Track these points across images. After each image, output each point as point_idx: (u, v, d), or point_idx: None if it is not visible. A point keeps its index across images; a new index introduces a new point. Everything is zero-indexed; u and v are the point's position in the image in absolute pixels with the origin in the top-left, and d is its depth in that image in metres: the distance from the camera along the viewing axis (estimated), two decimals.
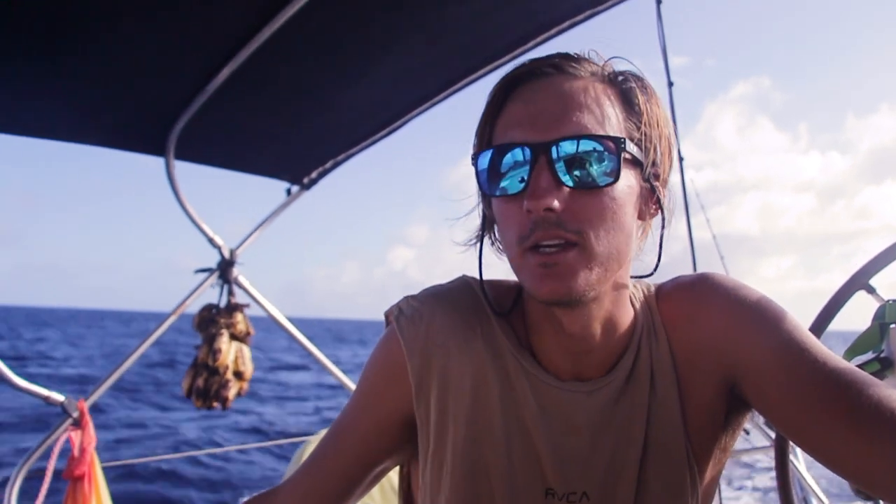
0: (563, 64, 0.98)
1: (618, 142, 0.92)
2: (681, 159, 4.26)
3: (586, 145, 0.91)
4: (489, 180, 0.98)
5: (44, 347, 41.74)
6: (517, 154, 0.94)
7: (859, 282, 1.42)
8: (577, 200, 0.92)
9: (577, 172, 0.91)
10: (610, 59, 1.02)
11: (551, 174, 0.91)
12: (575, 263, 0.92)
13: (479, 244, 1.09)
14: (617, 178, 0.92)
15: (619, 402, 1.04)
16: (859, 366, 1.14)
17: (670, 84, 3.72)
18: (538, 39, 2.56)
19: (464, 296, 1.13)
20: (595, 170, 0.91)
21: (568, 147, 0.91)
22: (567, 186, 0.91)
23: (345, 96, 2.91)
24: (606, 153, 0.92)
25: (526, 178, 0.92)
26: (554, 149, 0.91)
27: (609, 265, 0.95)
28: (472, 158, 1.00)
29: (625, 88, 0.99)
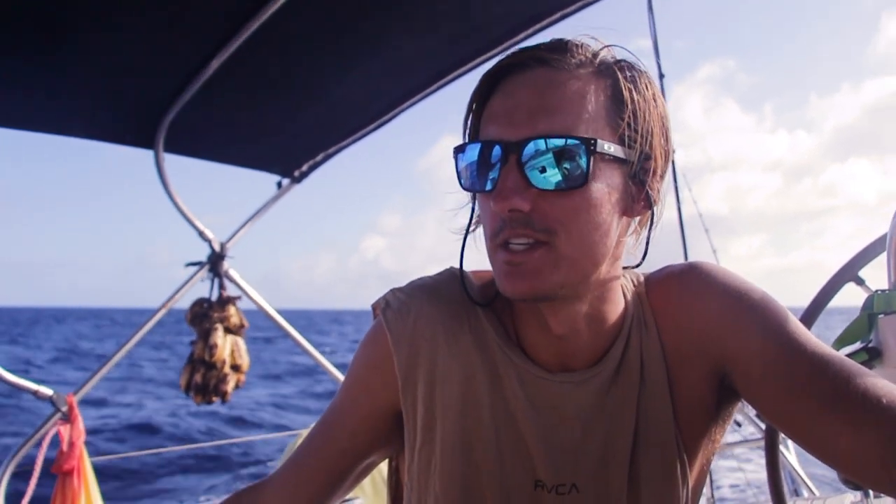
0: (547, 56, 0.95)
1: (588, 143, 0.90)
2: (672, 150, 4.28)
3: (556, 145, 0.89)
4: (466, 175, 0.97)
5: None
6: (490, 152, 0.93)
7: (849, 273, 1.42)
8: (546, 201, 0.90)
9: (545, 174, 0.89)
10: (605, 46, 0.99)
11: (520, 174, 0.90)
12: (540, 263, 0.91)
13: (463, 234, 1.07)
14: (586, 181, 0.90)
15: (609, 392, 1.03)
16: (848, 355, 1.14)
17: (661, 76, 3.73)
18: (529, 31, 2.55)
19: (451, 288, 1.12)
20: (565, 171, 0.89)
21: (537, 147, 0.89)
22: (535, 188, 0.90)
23: (335, 89, 2.89)
24: (577, 154, 0.89)
25: (496, 177, 0.91)
26: (523, 149, 0.90)
27: (581, 265, 0.93)
28: (453, 151, 0.99)
29: (613, 81, 0.96)
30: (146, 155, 3.15)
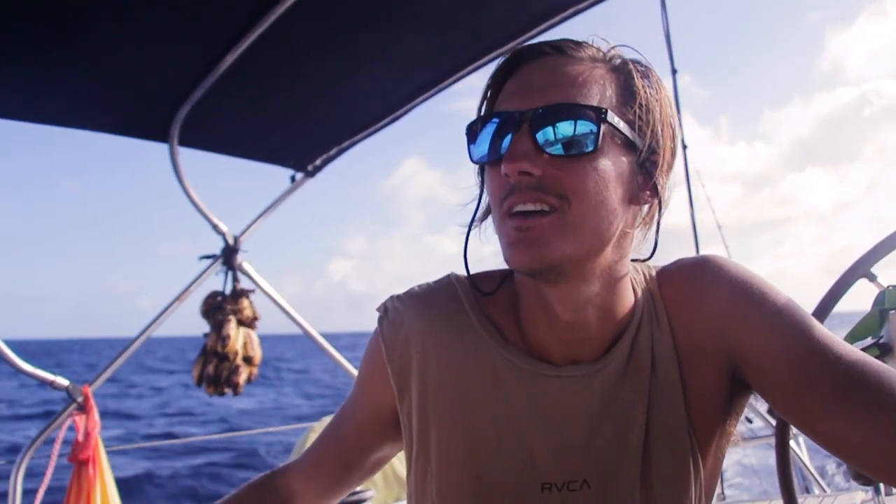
0: (563, 46, 0.99)
1: (598, 111, 0.92)
2: (684, 147, 4.26)
3: (566, 112, 0.91)
4: (477, 149, 0.98)
5: None
6: (501, 122, 0.95)
7: (861, 269, 1.42)
8: (556, 166, 0.91)
9: (556, 140, 0.91)
10: (615, 46, 1.02)
11: (531, 140, 0.91)
12: (549, 230, 0.91)
13: (470, 222, 1.08)
14: (596, 147, 0.91)
15: (619, 386, 1.03)
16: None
17: (674, 71, 3.71)
18: (542, 26, 2.55)
19: (447, 295, 1.12)
20: (575, 138, 0.91)
21: (548, 114, 0.91)
22: (546, 153, 0.91)
23: (349, 83, 2.91)
24: (586, 122, 0.91)
25: (509, 143, 0.93)
26: (535, 116, 0.91)
27: (587, 238, 0.93)
28: (467, 128, 1.01)
29: (624, 74, 0.99)
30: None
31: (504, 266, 0.97)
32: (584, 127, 0.91)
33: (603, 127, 0.92)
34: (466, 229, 1.08)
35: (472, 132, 0.99)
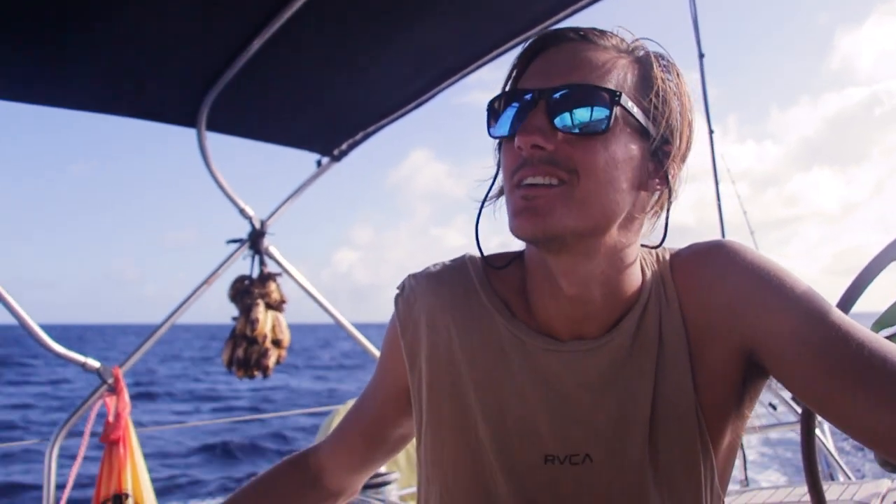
0: (588, 33, 1.01)
1: (612, 94, 0.95)
2: (711, 132, 4.21)
3: (581, 92, 0.94)
4: (495, 124, 1.02)
5: None
6: (519, 99, 0.98)
7: (892, 253, 1.40)
8: (569, 143, 0.94)
9: (570, 119, 0.94)
10: (638, 38, 1.04)
11: (546, 116, 0.94)
12: (555, 202, 0.93)
13: (482, 199, 1.11)
14: (608, 128, 0.94)
15: (624, 363, 1.04)
16: (887, 338, 1.13)
17: (701, 55, 3.67)
18: (566, 12, 2.54)
19: (459, 274, 1.16)
20: (588, 117, 0.94)
21: (563, 93, 0.94)
22: (560, 131, 0.94)
23: (375, 68, 2.91)
24: (601, 102, 0.94)
25: (524, 119, 0.96)
26: (551, 94, 0.95)
27: (592, 214, 0.95)
28: (488, 105, 1.04)
29: (643, 63, 1.01)
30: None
31: (510, 246, 1.00)
32: (598, 108, 0.94)
33: (616, 109, 0.95)
34: (478, 209, 1.11)
35: (494, 109, 1.03)
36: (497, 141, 1.06)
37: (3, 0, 2.07)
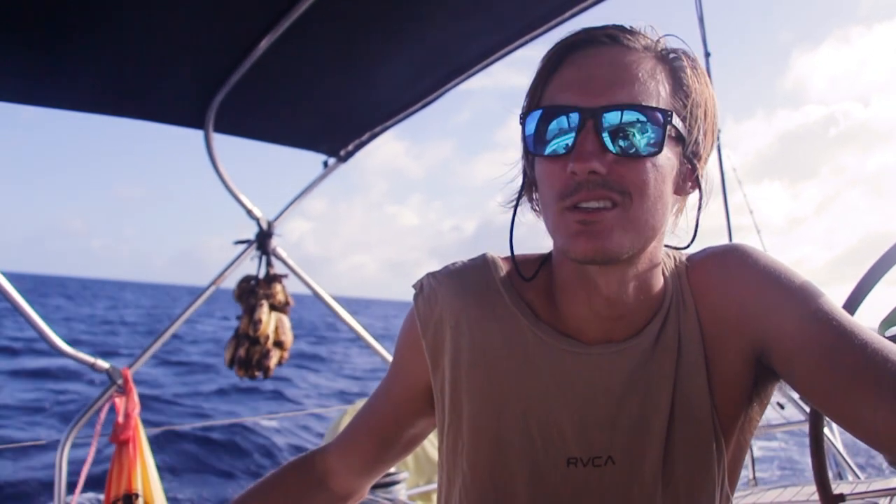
0: (618, 35, 1.00)
1: (665, 114, 0.94)
2: (718, 131, 4.20)
3: (633, 115, 0.93)
4: (536, 140, 0.99)
5: None
6: (566, 117, 0.95)
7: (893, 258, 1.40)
8: (621, 165, 0.93)
9: (622, 140, 0.93)
10: (663, 35, 1.03)
11: (597, 139, 0.93)
12: (612, 224, 0.93)
13: (515, 204, 1.10)
14: (660, 150, 0.94)
15: (647, 366, 1.05)
16: (893, 338, 1.13)
17: (707, 54, 3.67)
18: (572, 11, 2.53)
19: (481, 274, 1.16)
20: (640, 139, 0.93)
21: (615, 115, 0.93)
22: (611, 152, 0.93)
23: (382, 68, 2.92)
24: (652, 124, 0.93)
25: (572, 141, 0.94)
26: (601, 115, 0.93)
27: (644, 231, 0.96)
28: (521, 118, 1.02)
29: (675, 66, 1.01)
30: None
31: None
32: (650, 129, 0.94)
33: (668, 129, 0.95)
34: (511, 212, 1.11)
35: (531, 122, 1.00)
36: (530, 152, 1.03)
37: (10, 3, 2.08)
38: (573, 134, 0.94)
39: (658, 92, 0.96)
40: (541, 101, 1.01)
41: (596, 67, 0.97)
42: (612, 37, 0.99)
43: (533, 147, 1.00)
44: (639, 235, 0.96)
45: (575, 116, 0.94)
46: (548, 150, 0.97)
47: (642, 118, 0.93)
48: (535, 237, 1.10)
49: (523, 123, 1.01)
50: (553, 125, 0.96)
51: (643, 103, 0.94)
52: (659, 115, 0.94)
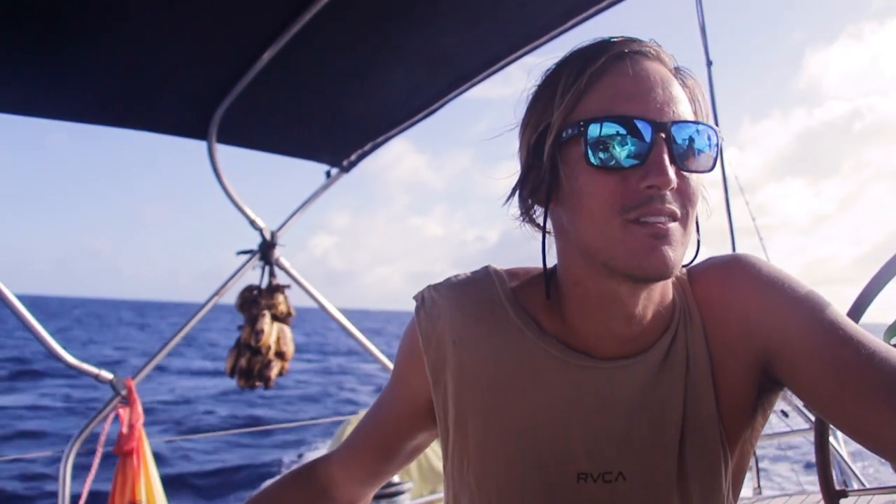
0: (659, 51, 1.00)
1: (716, 133, 0.97)
2: (720, 140, 4.21)
3: (700, 131, 0.95)
4: (594, 150, 0.93)
5: None
6: (637, 128, 0.92)
7: None
8: (683, 180, 0.95)
9: (688, 156, 0.94)
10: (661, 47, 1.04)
11: (670, 153, 0.92)
12: (677, 237, 0.94)
13: (544, 215, 1.05)
14: (714, 166, 0.97)
15: (657, 381, 1.04)
16: None
17: (709, 63, 3.68)
18: (576, 19, 2.54)
19: (484, 288, 1.13)
20: (702, 155, 0.95)
21: (685, 130, 0.94)
22: (678, 167, 0.93)
23: (385, 78, 2.92)
24: (711, 142, 0.96)
25: (645, 152, 0.92)
26: (671, 129, 0.93)
27: (688, 245, 0.98)
28: (581, 126, 0.95)
29: (689, 85, 1.02)
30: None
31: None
32: (711, 146, 0.96)
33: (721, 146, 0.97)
34: (524, 225, 1.08)
35: (593, 130, 0.94)
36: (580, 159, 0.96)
37: (11, 15, 2.09)
38: (646, 146, 0.92)
39: (693, 110, 0.99)
40: (578, 108, 0.96)
41: (651, 81, 0.95)
42: (655, 52, 0.99)
43: (598, 160, 0.93)
44: (685, 249, 0.97)
45: (648, 129, 0.92)
46: (613, 162, 0.93)
47: (706, 136, 0.95)
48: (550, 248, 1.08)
49: (585, 131, 0.94)
50: (619, 136, 0.93)
51: (703, 120, 0.97)
52: (714, 133, 0.96)
